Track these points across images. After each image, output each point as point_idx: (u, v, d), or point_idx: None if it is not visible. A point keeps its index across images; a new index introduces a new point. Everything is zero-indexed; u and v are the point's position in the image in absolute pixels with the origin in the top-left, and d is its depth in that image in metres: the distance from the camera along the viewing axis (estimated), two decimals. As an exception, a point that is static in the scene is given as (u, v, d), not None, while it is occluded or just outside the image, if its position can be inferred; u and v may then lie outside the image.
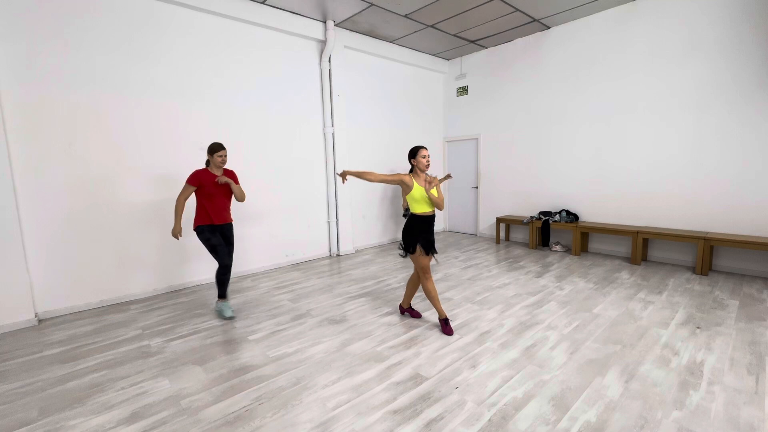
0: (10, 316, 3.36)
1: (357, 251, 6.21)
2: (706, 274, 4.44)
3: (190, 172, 3.43)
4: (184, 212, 3.43)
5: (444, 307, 3.59)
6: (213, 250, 3.45)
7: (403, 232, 3.13)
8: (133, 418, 2.11)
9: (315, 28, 5.33)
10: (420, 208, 3.02)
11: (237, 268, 4.90)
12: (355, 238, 6.29)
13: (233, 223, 3.68)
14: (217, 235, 3.47)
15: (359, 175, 2.97)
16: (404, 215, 5.89)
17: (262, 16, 4.81)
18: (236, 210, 4.78)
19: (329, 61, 5.55)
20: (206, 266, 4.56)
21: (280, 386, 2.37)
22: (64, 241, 3.69)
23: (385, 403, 2.18)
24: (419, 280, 3.23)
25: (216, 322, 3.44)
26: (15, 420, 2.12)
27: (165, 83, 4.20)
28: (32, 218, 3.52)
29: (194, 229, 3.46)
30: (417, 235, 3.02)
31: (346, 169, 2.95)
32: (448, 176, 3.67)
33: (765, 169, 4.22)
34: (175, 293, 4.29)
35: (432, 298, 3.10)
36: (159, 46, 4.14)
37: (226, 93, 4.68)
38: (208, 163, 3.50)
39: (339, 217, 5.93)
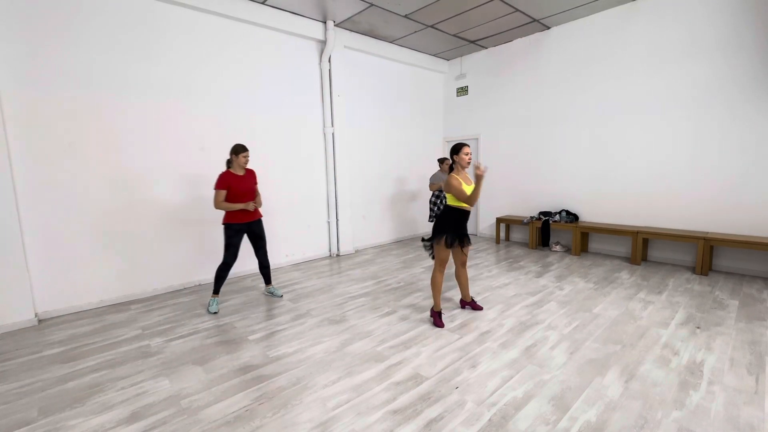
0: (10, 316, 3.36)
1: (357, 251, 6.21)
2: (706, 274, 4.44)
3: (217, 175, 3.56)
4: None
5: (444, 306, 3.60)
6: (227, 247, 3.60)
7: (435, 223, 3.21)
8: (133, 418, 2.11)
9: (315, 28, 5.33)
10: (459, 202, 3.08)
11: (237, 268, 4.88)
12: (355, 238, 6.29)
13: (262, 218, 3.83)
14: (240, 236, 3.64)
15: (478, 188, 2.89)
16: (431, 219, 5.75)
17: (262, 16, 4.81)
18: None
19: (329, 61, 5.55)
20: (206, 266, 4.56)
21: (280, 386, 2.37)
22: (64, 241, 3.69)
23: (385, 403, 2.18)
24: (462, 270, 3.40)
25: (216, 321, 3.44)
26: (15, 420, 2.12)
27: (165, 83, 4.20)
28: (32, 218, 3.52)
29: (223, 224, 3.61)
30: (448, 228, 3.11)
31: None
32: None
33: (765, 168, 4.22)
34: (175, 293, 4.28)
35: (435, 288, 3.24)
36: (159, 46, 4.14)
37: (225, 93, 4.68)
38: (228, 163, 3.62)
39: (339, 217, 5.93)
